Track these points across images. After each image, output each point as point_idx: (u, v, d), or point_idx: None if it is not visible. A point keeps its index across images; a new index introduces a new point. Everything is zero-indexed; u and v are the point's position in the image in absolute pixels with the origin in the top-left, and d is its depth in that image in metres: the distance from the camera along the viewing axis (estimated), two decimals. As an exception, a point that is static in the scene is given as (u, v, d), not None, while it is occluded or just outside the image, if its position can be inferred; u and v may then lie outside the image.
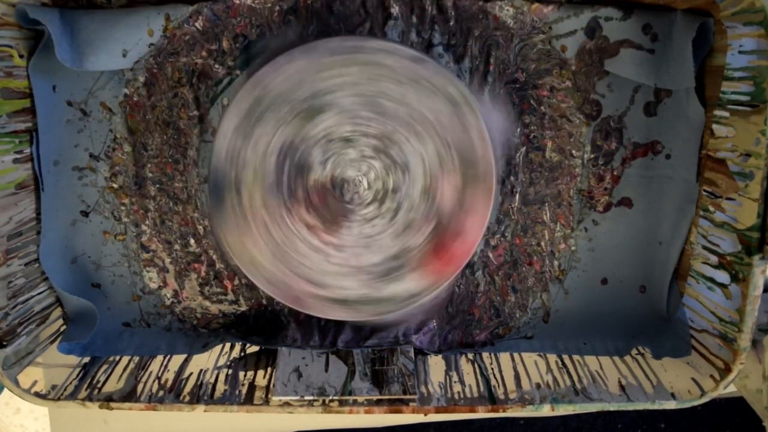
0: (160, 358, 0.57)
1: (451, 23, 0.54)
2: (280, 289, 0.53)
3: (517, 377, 0.56)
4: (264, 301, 0.60)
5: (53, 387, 0.54)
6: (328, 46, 0.49)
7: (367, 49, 0.49)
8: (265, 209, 0.52)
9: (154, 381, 0.55)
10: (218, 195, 0.51)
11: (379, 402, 0.52)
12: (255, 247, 0.52)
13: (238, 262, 0.53)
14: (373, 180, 0.51)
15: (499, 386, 0.55)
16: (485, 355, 0.58)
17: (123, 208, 0.58)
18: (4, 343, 0.51)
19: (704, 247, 0.53)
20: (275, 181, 0.51)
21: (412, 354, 0.56)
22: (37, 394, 0.52)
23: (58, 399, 0.53)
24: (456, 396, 0.54)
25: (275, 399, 0.52)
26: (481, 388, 0.55)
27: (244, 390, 0.54)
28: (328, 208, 0.52)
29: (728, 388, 0.52)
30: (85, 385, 0.54)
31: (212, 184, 0.51)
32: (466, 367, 0.57)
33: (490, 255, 0.59)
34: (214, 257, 0.59)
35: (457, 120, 0.50)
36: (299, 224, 0.52)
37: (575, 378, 0.55)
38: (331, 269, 0.53)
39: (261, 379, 0.55)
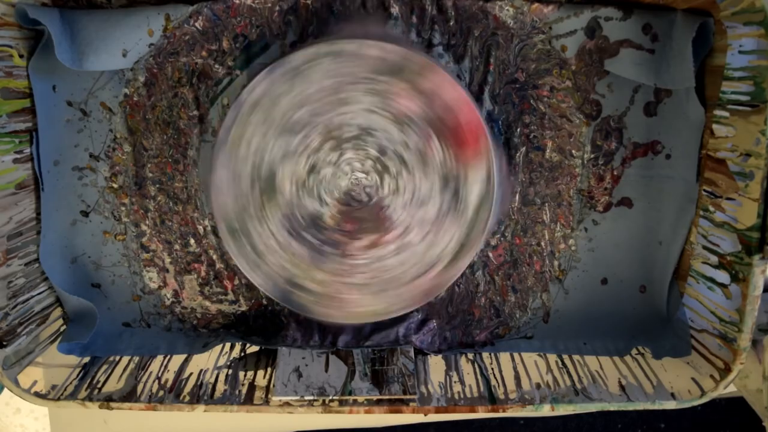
0: (160, 358, 0.58)
1: (451, 23, 0.54)
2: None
3: (517, 377, 0.56)
4: (264, 301, 0.60)
5: (53, 387, 0.54)
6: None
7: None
8: (332, 275, 0.52)
9: (154, 381, 0.55)
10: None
11: (379, 402, 0.52)
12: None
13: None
14: (363, 168, 0.51)
15: (499, 386, 0.55)
16: (485, 355, 0.58)
17: (123, 208, 0.58)
18: (4, 343, 0.51)
19: (704, 247, 0.53)
20: (316, 253, 0.51)
21: (412, 354, 0.56)
22: (37, 394, 0.52)
23: (58, 399, 0.53)
24: (456, 396, 0.54)
25: (275, 399, 0.52)
26: (481, 388, 0.55)
27: (244, 390, 0.54)
28: (365, 220, 0.51)
29: (728, 388, 0.52)
30: (85, 385, 0.54)
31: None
32: (466, 367, 0.57)
33: (490, 255, 0.59)
34: (214, 257, 0.59)
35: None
36: (361, 252, 0.52)
37: (575, 378, 0.55)
38: (418, 242, 0.52)
39: (261, 379, 0.55)
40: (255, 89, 0.48)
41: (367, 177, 0.51)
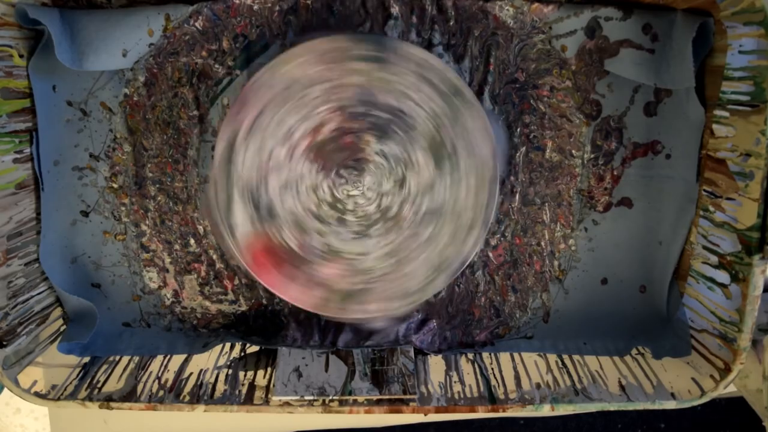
0: (160, 358, 0.57)
1: (451, 23, 0.54)
2: None
3: (517, 377, 0.56)
4: (264, 301, 0.60)
5: (53, 387, 0.54)
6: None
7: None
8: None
9: (154, 381, 0.55)
10: None
11: (379, 402, 0.52)
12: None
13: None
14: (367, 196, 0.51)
15: (499, 386, 0.55)
16: (485, 355, 0.58)
17: (123, 208, 0.58)
18: (4, 343, 0.51)
19: (704, 247, 0.53)
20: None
21: (412, 354, 0.56)
22: (37, 394, 0.52)
23: (58, 399, 0.53)
24: (456, 396, 0.54)
25: (275, 399, 0.52)
26: (481, 388, 0.55)
27: (244, 390, 0.54)
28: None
29: (728, 388, 0.52)
30: (85, 385, 0.54)
31: None
32: (466, 367, 0.57)
33: (490, 255, 0.59)
34: (214, 257, 0.59)
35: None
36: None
37: (575, 378, 0.55)
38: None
39: (261, 379, 0.55)
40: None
41: (366, 201, 0.52)
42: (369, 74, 0.49)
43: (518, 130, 0.56)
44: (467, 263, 0.53)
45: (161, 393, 0.54)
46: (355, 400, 0.52)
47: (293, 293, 0.52)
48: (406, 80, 0.49)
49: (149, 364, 0.57)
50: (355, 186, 0.52)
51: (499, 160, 0.50)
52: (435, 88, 0.49)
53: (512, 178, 0.57)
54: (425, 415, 0.54)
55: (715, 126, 0.52)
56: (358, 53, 0.49)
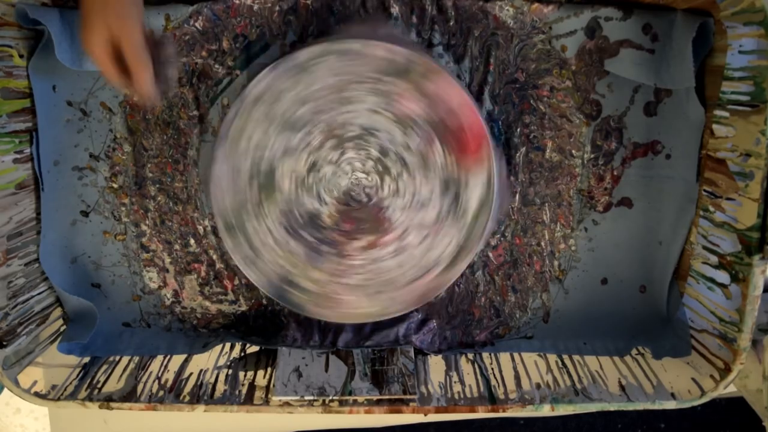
0: (160, 358, 0.57)
1: (451, 23, 0.54)
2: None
3: (517, 377, 0.56)
4: (264, 301, 0.60)
5: (53, 387, 0.54)
6: None
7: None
8: (329, 275, 0.51)
9: (154, 381, 0.55)
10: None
11: (379, 402, 0.52)
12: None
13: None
14: (363, 168, 0.51)
15: (499, 386, 0.55)
16: (485, 355, 0.58)
17: (123, 208, 0.58)
18: (4, 343, 0.51)
19: (704, 247, 0.53)
20: (313, 252, 0.51)
21: (412, 354, 0.56)
22: (37, 394, 0.52)
23: (58, 399, 0.53)
24: (456, 396, 0.54)
25: (275, 399, 0.52)
26: (481, 388, 0.55)
27: (244, 390, 0.54)
28: (363, 220, 0.51)
29: (728, 388, 0.52)
30: (85, 385, 0.54)
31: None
32: (466, 367, 0.57)
33: (490, 255, 0.59)
34: (214, 257, 0.59)
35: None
36: (358, 253, 0.51)
37: (575, 378, 0.55)
38: (416, 244, 0.51)
39: (261, 379, 0.55)
40: (258, 84, 0.48)
41: (367, 177, 0.50)
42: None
43: (518, 130, 0.56)
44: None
45: (161, 393, 0.54)
46: (355, 400, 0.52)
47: None
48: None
49: (149, 364, 0.57)
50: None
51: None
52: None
53: (512, 178, 0.57)
54: (425, 415, 0.54)
55: (715, 126, 0.52)
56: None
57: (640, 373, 0.56)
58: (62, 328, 0.58)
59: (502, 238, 0.59)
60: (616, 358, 0.57)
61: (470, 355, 0.58)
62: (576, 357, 0.58)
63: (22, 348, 0.53)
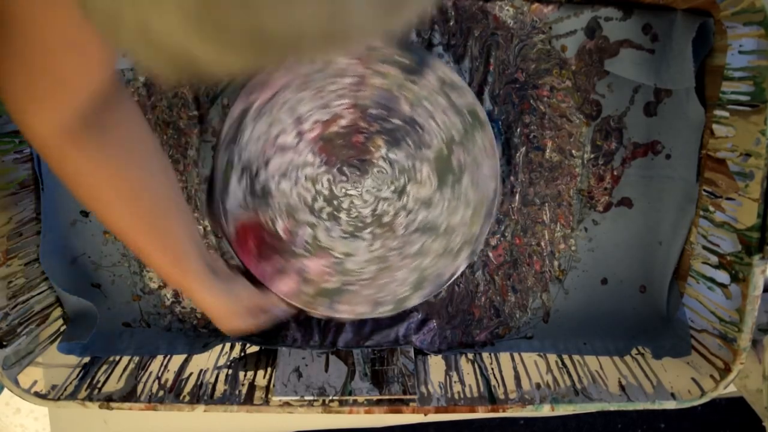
0: (160, 358, 0.57)
1: (451, 23, 0.54)
2: None
3: (517, 377, 0.56)
4: (264, 301, 0.60)
5: (53, 387, 0.54)
6: None
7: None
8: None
9: (154, 381, 0.55)
10: None
11: (379, 402, 0.52)
12: None
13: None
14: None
15: (499, 386, 0.55)
16: (485, 355, 0.58)
17: (123, 208, 0.58)
18: (4, 343, 0.51)
19: (704, 247, 0.53)
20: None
21: (412, 354, 0.56)
22: (37, 394, 0.52)
23: (58, 399, 0.53)
24: (456, 396, 0.54)
25: (275, 399, 0.52)
26: (481, 388, 0.55)
27: (244, 390, 0.54)
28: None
29: (728, 388, 0.52)
30: (85, 385, 0.54)
31: None
32: (466, 367, 0.57)
33: (490, 255, 0.59)
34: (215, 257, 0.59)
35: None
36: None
37: (575, 378, 0.55)
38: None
39: (261, 379, 0.55)
40: None
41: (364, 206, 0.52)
42: (396, 81, 0.49)
43: (518, 130, 0.56)
44: (444, 287, 0.54)
45: (161, 393, 0.54)
46: (355, 401, 0.52)
47: (267, 273, 0.52)
48: (431, 96, 0.50)
49: (149, 364, 0.57)
50: (355, 186, 0.52)
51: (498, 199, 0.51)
52: (456, 110, 0.50)
53: (512, 178, 0.57)
54: (425, 415, 0.54)
55: (715, 126, 0.52)
56: (392, 58, 0.49)
57: (640, 373, 0.56)
58: (62, 328, 0.58)
59: (502, 238, 0.58)
60: (616, 358, 0.57)
61: (470, 355, 0.58)
62: (576, 357, 0.58)
63: (22, 348, 0.53)
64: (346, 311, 0.53)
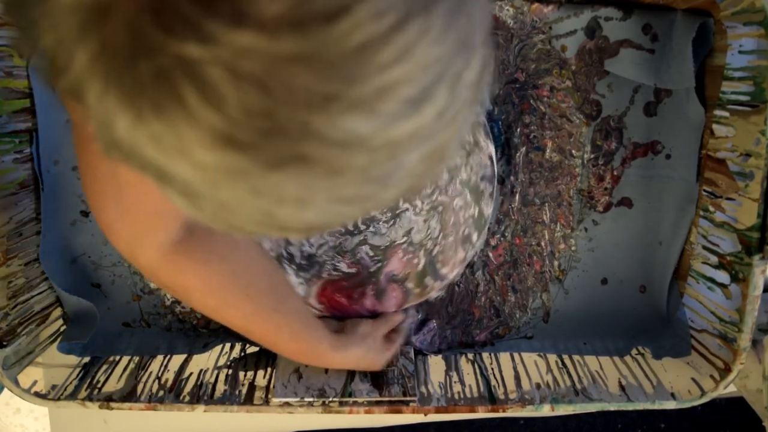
0: (160, 358, 0.57)
1: (451, 23, 0.54)
2: None
3: (517, 377, 0.56)
4: (264, 301, 0.60)
5: (53, 387, 0.54)
6: None
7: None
8: None
9: (154, 381, 0.55)
10: None
11: (378, 404, 0.52)
12: None
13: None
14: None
15: (499, 386, 0.55)
16: (485, 355, 0.58)
17: (123, 208, 0.58)
18: (4, 343, 0.51)
19: (704, 247, 0.53)
20: None
21: (412, 355, 0.56)
22: (37, 394, 0.52)
23: (58, 399, 0.53)
24: (456, 396, 0.54)
25: (275, 400, 0.52)
26: (481, 388, 0.55)
27: (244, 390, 0.54)
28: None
29: (728, 388, 0.52)
30: (85, 385, 0.54)
31: None
32: (466, 367, 0.57)
33: (490, 255, 0.59)
34: (214, 257, 0.59)
35: None
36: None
37: (575, 378, 0.55)
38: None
39: (261, 380, 0.55)
40: None
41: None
42: None
43: (518, 130, 0.56)
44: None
45: (161, 393, 0.54)
46: (354, 402, 0.52)
47: (371, 305, 0.54)
48: None
49: (149, 364, 0.57)
50: None
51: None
52: None
53: (512, 178, 0.57)
54: (425, 415, 0.54)
55: (715, 126, 0.52)
56: None
57: (640, 373, 0.56)
58: (62, 328, 0.58)
59: (502, 238, 0.58)
60: (616, 358, 0.57)
61: (470, 355, 0.58)
62: (576, 357, 0.58)
63: (22, 348, 0.53)
64: (452, 268, 0.54)
